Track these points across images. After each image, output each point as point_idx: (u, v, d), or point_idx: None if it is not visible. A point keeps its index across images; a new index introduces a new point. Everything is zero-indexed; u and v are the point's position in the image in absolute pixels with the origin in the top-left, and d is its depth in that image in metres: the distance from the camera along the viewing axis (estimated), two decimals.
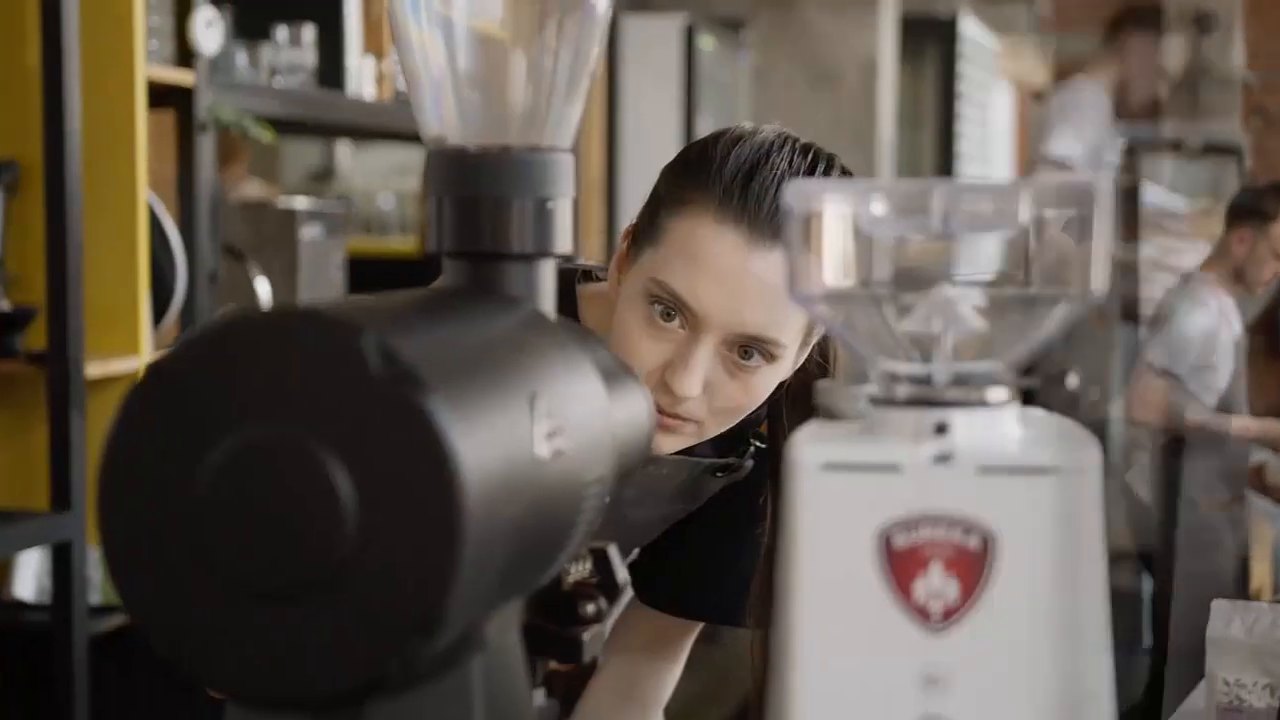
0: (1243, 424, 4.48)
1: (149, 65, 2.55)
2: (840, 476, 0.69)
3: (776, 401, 1.37)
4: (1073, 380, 4.36)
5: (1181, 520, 4.31)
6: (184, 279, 2.61)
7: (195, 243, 2.67)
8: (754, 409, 1.31)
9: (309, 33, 3.02)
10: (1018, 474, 0.68)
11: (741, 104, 5.15)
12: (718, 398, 1.27)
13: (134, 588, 0.63)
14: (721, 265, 1.22)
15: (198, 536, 0.62)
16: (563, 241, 0.83)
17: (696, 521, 1.47)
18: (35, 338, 2.40)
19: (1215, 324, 4.25)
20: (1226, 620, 2.02)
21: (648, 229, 1.29)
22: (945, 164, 7.47)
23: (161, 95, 2.63)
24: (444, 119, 0.82)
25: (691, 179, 1.26)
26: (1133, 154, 4.61)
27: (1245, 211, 4.38)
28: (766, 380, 1.28)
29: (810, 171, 1.28)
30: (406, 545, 0.60)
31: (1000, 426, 0.70)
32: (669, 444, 1.30)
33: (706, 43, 4.87)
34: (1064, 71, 9.95)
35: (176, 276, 2.58)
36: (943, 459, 0.68)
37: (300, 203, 3.18)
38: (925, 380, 0.72)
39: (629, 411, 0.85)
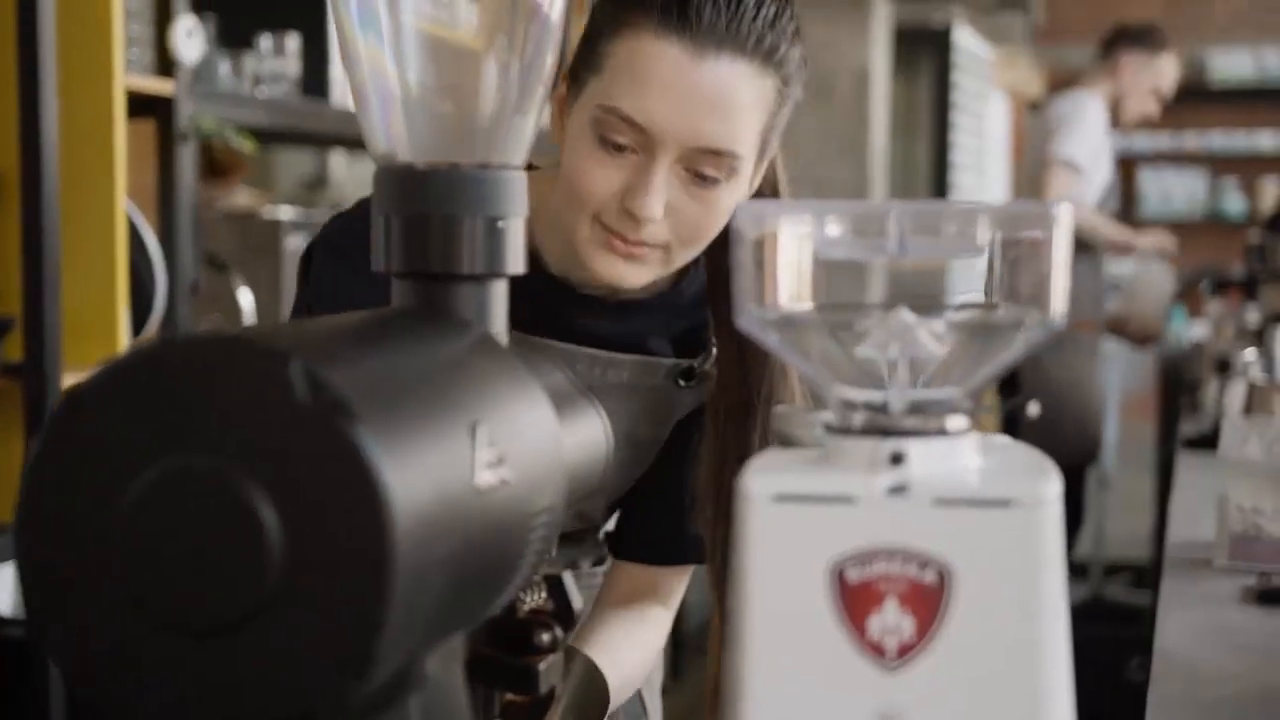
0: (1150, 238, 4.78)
1: (129, 74, 2.53)
2: (792, 508, 0.67)
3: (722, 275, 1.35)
4: (1033, 409, 4.43)
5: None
6: (164, 290, 2.58)
7: (176, 253, 2.65)
8: (717, 229, 1.28)
9: (293, 41, 3.00)
10: (975, 507, 0.65)
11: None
12: (681, 221, 1.25)
13: (53, 620, 0.60)
14: (668, 79, 1.20)
15: (119, 569, 0.60)
16: (515, 261, 0.80)
17: (662, 463, 1.45)
18: (12, 349, 2.37)
19: (1102, 126, 4.55)
20: (1241, 439, 1.91)
21: (587, 59, 1.26)
22: (940, 174, 7.46)
23: (142, 104, 2.60)
24: (392, 135, 0.80)
25: (630, 6, 1.24)
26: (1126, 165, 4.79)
27: (1133, 40, 4.54)
28: (727, 198, 1.26)
29: None
30: (334, 581, 0.58)
31: (958, 456, 0.68)
32: (636, 274, 1.28)
33: None
34: (1058, 82, 9.95)
35: (156, 287, 2.55)
36: (898, 490, 0.66)
37: (286, 213, 3.15)
38: (882, 407, 0.70)
39: (582, 435, 0.83)
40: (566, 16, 0.83)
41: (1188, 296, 9.79)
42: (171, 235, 2.64)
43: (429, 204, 0.78)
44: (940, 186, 7.43)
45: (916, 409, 0.69)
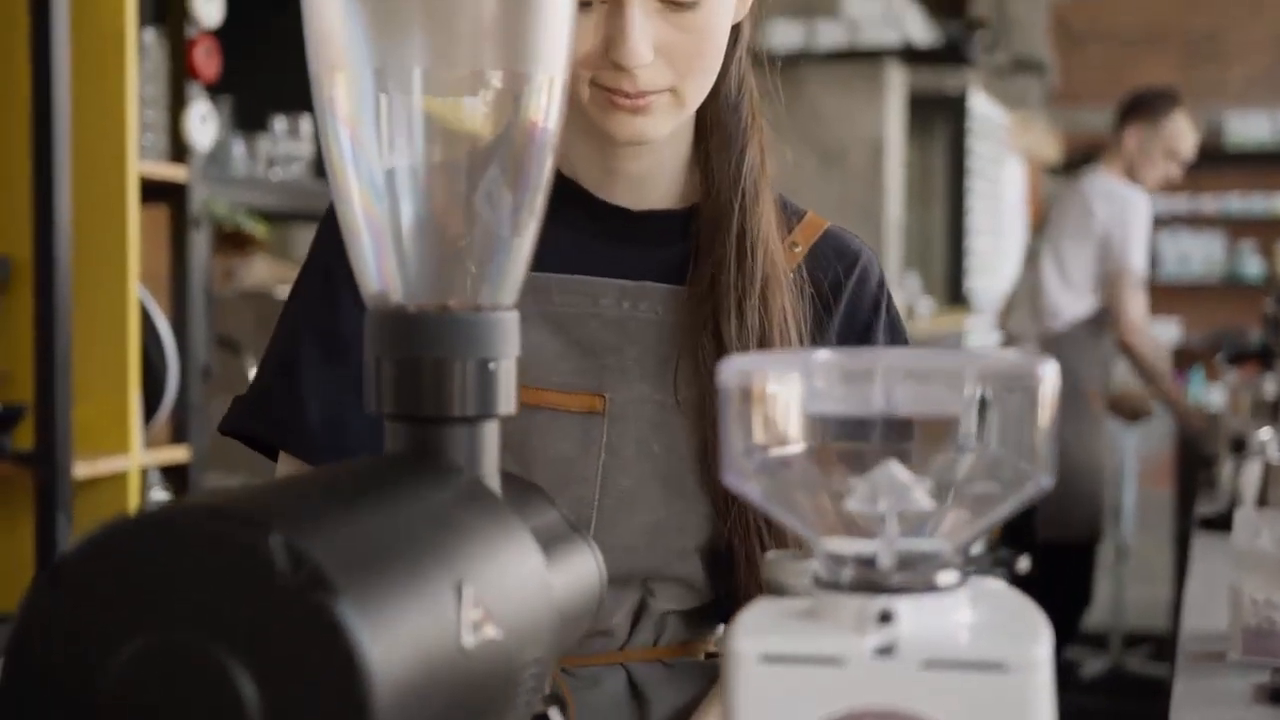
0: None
1: (143, 160, 2.54)
2: (780, 669, 0.66)
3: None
4: (1024, 563, 4.43)
5: (1066, 408, 4.40)
6: (175, 375, 2.59)
7: (188, 338, 2.66)
8: (720, 53, 1.21)
9: (307, 124, 3.02)
10: (965, 669, 0.65)
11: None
12: (676, 56, 1.17)
13: None
14: None
15: None
16: (506, 402, 0.80)
17: None
18: (23, 437, 2.38)
19: (1148, 224, 4.60)
20: (1253, 530, 1.87)
21: None
22: (955, 238, 7.46)
23: (156, 190, 2.62)
24: (384, 276, 0.80)
25: None
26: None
27: (1138, 109, 4.55)
28: (715, 18, 1.18)
29: None
30: None
31: (949, 613, 0.67)
32: (654, 125, 1.19)
33: None
34: (1075, 145, 9.98)
35: (168, 373, 2.56)
36: (886, 651, 0.65)
37: None
38: (870, 561, 0.69)
39: (572, 576, 0.83)
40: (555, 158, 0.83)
41: (1205, 361, 9.77)
42: (184, 320, 2.65)
43: (420, 347, 0.78)
44: (956, 253, 7.43)
45: (906, 563, 0.69)
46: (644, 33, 1.15)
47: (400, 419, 0.79)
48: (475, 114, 0.80)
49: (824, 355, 0.71)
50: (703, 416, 1.22)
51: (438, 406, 0.78)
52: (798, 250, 1.29)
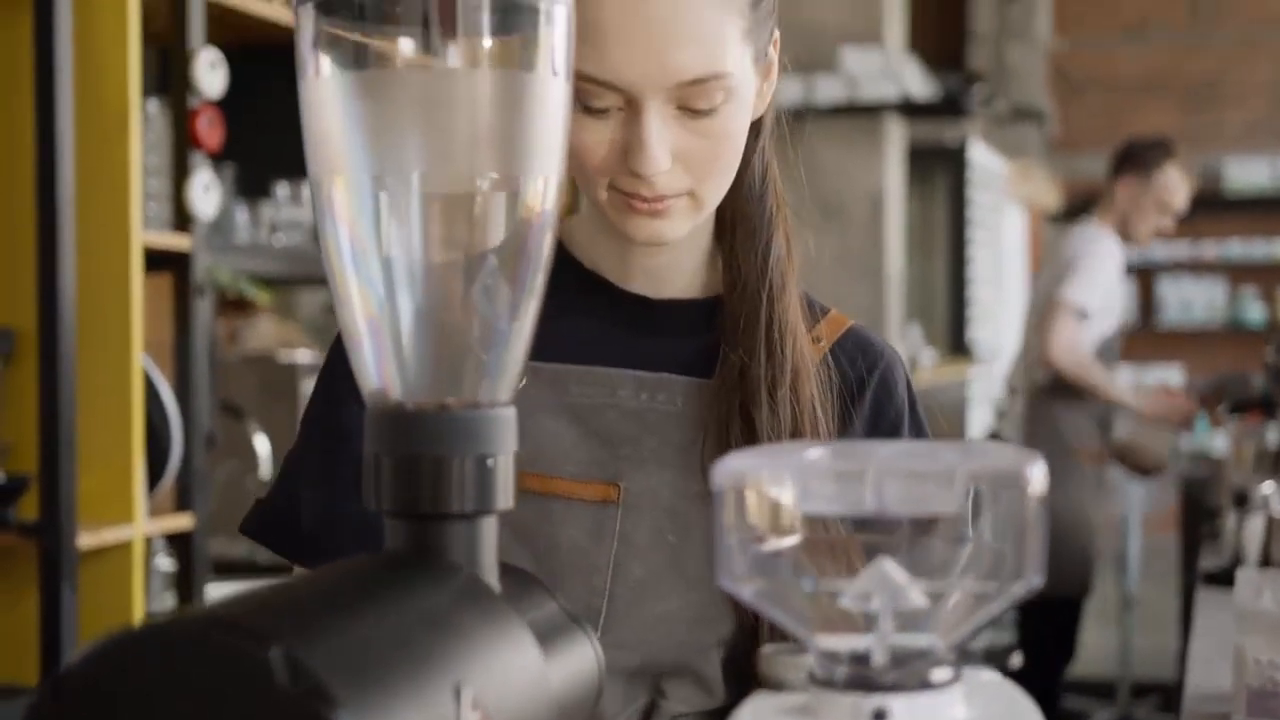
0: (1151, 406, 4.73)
1: (146, 230, 2.56)
2: None
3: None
4: (1016, 659, 4.44)
5: (1055, 464, 4.37)
6: (180, 443, 2.60)
7: (192, 405, 2.67)
8: (739, 154, 1.19)
9: (309, 190, 3.04)
10: None
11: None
12: (693, 161, 1.16)
13: None
14: (619, 24, 1.11)
15: None
16: (504, 497, 0.81)
17: None
18: (27, 508, 2.39)
19: (1116, 273, 4.54)
20: (1256, 590, 1.86)
21: None
22: (957, 289, 7.48)
23: (159, 258, 2.64)
24: (383, 374, 0.81)
25: None
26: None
27: (1129, 161, 4.54)
28: (733, 120, 1.16)
29: None
30: None
31: (943, 711, 0.68)
32: (672, 228, 1.19)
33: None
34: (1075, 192, 10.02)
35: (172, 441, 2.57)
36: None
37: (304, 356, 3.18)
38: (865, 658, 0.70)
39: (571, 668, 0.83)
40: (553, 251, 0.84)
41: (1209, 407, 9.77)
42: (187, 387, 2.66)
43: (419, 445, 0.79)
44: (958, 303, 7.45)
45: (900, 660, 0.69)
46: (661, 140, 1.14)
47: (399, 516, 0.80)
48: (472, 215, 0.81)
49: (816, 454, 0.72)
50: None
51: (436, 504, 0.79)
52: (821, 344, 1.28)
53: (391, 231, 0.80)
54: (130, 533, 2.50)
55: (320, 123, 0.80)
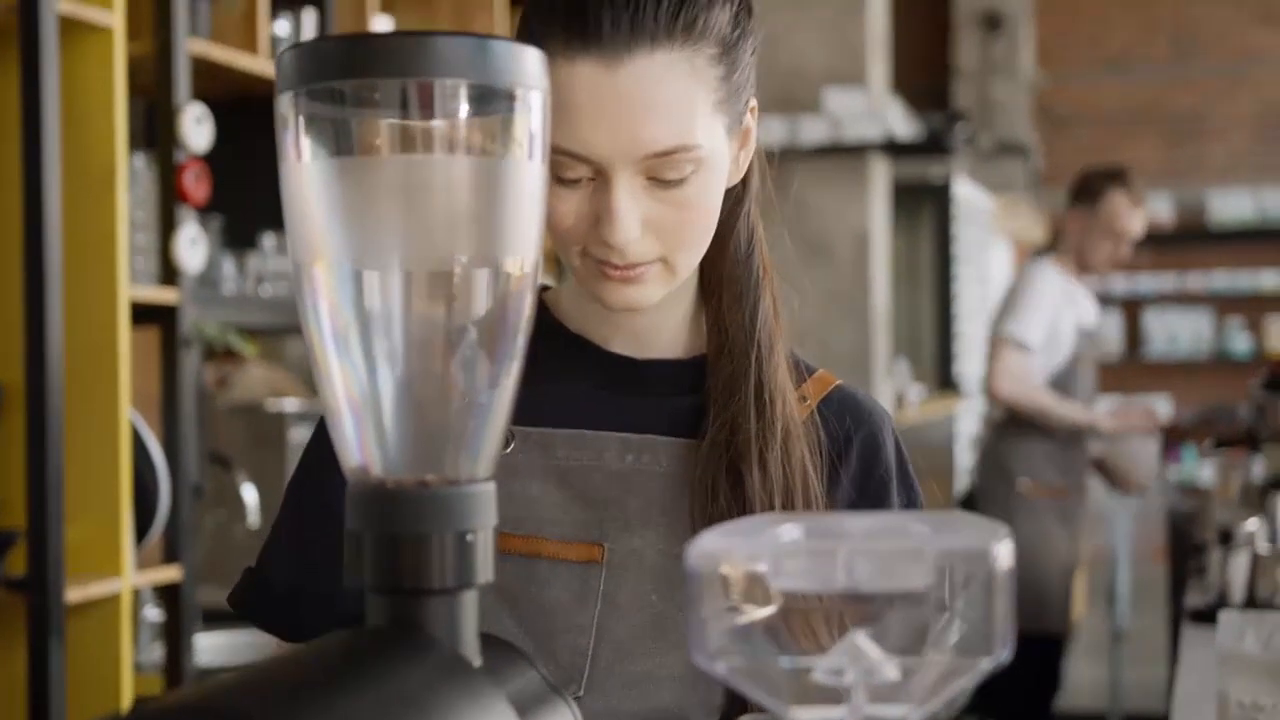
0: (1104, 418, 4.62)
1: (134, 284, 2.58)
2: None
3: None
4: None
5: (1007, 501, 4.36)
6: (167, 496, 2.61)
7: (179, 457, 2.68)
8: (712, 221, 1.20)
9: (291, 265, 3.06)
10: None
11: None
12: (665, 230, 1.17)
13: None
14: (589, 99, 1.13)
15: None
16: (484, 571, 0.82)
17: None
18: (15, 563, 2.39)
19: (1060, 303, 4.46)
20: (1238, 633, 1.87)
21: None
22: (943, 324, 7.51)
23: (146, 312, 2.65)
24: (364, 452, 0.83)
25: (533, 28, 1.17)
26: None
27: (1078, 193, 4.58)
28: (706, 189, 1.18)
29: None
30: None
31: None
32: (644, 294, 1.20)
33: None
34: (1062, 226, 10.07)
35: (160, 494, 2.58)
36: None
37: (291, 404, 3.19)
38: None
39: None
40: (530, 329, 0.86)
41: (1197, 439, 9.80)
42: (175, 439, 2.67)
43: (400, 523, 0.81)
44: (944, 338, 7.48)
45: None
46: (631, 210, 1.16)
47: (381, 592, 0.81)
48: (451, 295, 0.82)
49: (789, 532, 0.73)
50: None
51: (417, 579, 0.80)
52: (807, 403, 1.29)
53: (372, 313, 0.82)
54: (118, 586, 2.50)
55: (301, 207, 0.81)
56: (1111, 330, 10.25)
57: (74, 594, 2.41)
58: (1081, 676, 6.72)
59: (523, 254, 0.83)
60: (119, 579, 2.50)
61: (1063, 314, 4.45)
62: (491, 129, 0.83)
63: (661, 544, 1.24)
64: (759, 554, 0.71)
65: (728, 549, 0.72)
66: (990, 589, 0.69)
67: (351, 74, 0.80)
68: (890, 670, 0.71)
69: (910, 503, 1.31)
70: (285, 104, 0.81)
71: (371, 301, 0.82)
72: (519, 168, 0.82)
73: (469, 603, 0.82)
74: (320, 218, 0.81)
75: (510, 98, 0.81)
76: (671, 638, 1.23)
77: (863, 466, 1.31)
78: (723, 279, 1.29)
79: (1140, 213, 4.62)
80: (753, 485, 1.23)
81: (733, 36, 1.18)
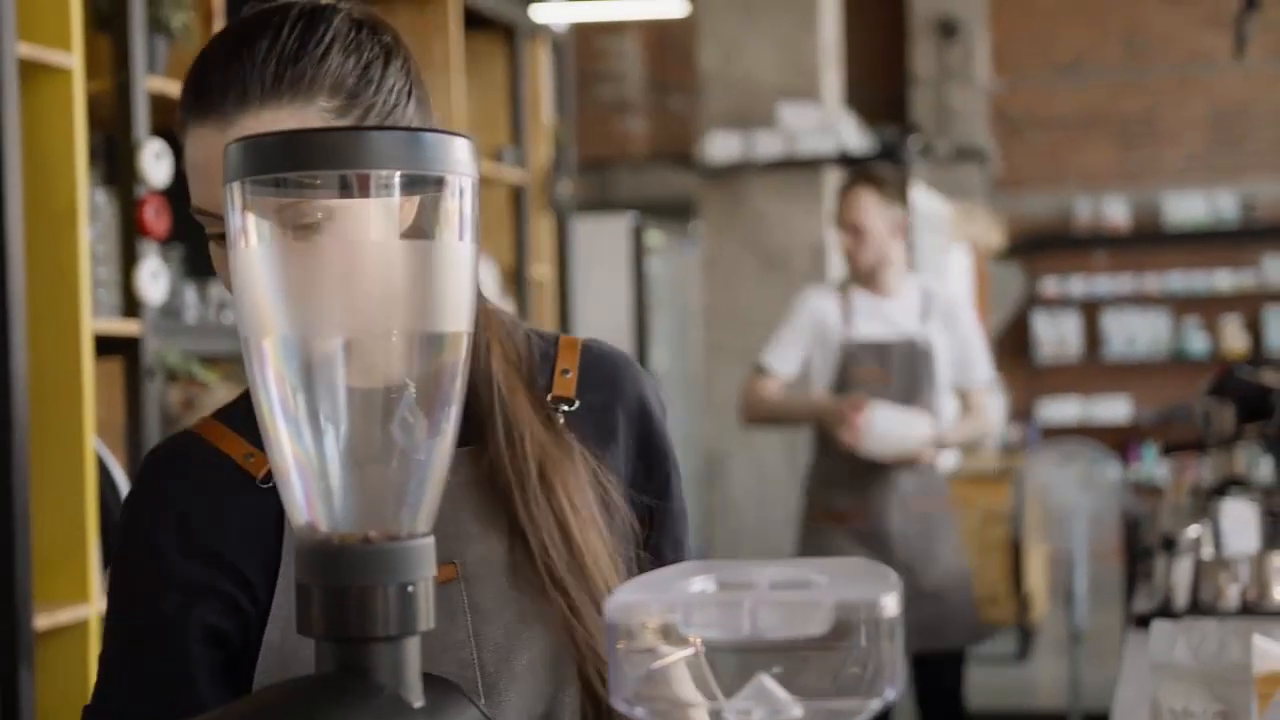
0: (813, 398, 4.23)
1: (96, 318, 2.63)
2: None
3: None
4: None
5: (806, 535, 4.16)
6: None
7: None
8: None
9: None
10: None
11: (692, 292, 5.27)
12: None
13: None
14: (211, 159, 1.20)
15: None
16: (425, 619, 0.89)
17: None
18: None
19: (807, 322, 4.20)
20: (1170, 642, 1.93)
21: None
22: None
23: (109, 344, 2.71)
24: (311, 509, 0.89)
25: (179, 107, 1.24)
26: None
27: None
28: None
29: (260, 30, 1.23)
30: None
31: None
32: None
33: (654, 238, 4.99)
34: (1018, 230, 10.20)
35: None
36: None
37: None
38: None
39: None
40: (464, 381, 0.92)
41: (1157, 437, 9.92)
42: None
43: (345, 577, 0.87)
44: None
45: None
46: None
47: (328, 640, 0.88)
48: (390, 364, 0.89)
49: (697, 586, 0.80)
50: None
51: (362, 628, 0.87)
52: (569, 376, 1.35)
53: (316, 381, 0.89)
54: (87, 612, 2.56)
55: (250, 286, 0.88)
56: (1070, 332, 10.37)
57: (42, 621, 2.46)
58: (1041, 675, 6.82)
59: (456, 322, 0.90)
60: (87, 605, 2.55)
61: (817, 331, 4.17)
62: (424, 212, 0.89)
63: (503, 543, 1.29)
64: (672, 606, 0.78)
65: (643, 602, 0.79)
66: (878, 634, 0.77)
67: (292, 167, 0.86)
68: (794, 710, 0.78)
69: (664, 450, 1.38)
70: (232, 193, 0.87)
71: (315, 371, 0.88)
72: (450, 247, 0.89)
73: (411, 648, 0.89)
74: (267, 296, 0.88)
75: (440, 183, 0.88)
76: (536, 624, 1.28)
77: (638, 418, 1.37)
78: None
79: (842, 199, 4.20)
80: (529, 525, 1.28)
81: (357, 85, 1.23)
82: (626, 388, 1.37)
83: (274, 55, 1.21)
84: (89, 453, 2.55)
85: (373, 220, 0.88)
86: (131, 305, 2.73)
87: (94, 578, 2.56)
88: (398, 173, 0.87)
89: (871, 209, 4.09)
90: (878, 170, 4.26)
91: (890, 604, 0.76)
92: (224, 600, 1.26)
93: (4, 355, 2.43)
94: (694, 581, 0.81)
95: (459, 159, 0.89)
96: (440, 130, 0.89)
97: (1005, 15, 10.26)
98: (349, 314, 0.88)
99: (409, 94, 1.27)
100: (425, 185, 0.88)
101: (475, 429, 1.31)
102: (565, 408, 1.33)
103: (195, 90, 1.22)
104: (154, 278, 2.72)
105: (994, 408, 4.31)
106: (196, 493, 1.29)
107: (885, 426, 4.03)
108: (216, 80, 1.21)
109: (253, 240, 0.88)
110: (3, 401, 2.42)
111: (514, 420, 1.30)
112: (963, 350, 4.16)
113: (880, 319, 4.18)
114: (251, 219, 0.88)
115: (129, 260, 2.73)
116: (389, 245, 0.88)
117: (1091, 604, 6.12)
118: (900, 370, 4.18)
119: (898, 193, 4.16)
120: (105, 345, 2.69)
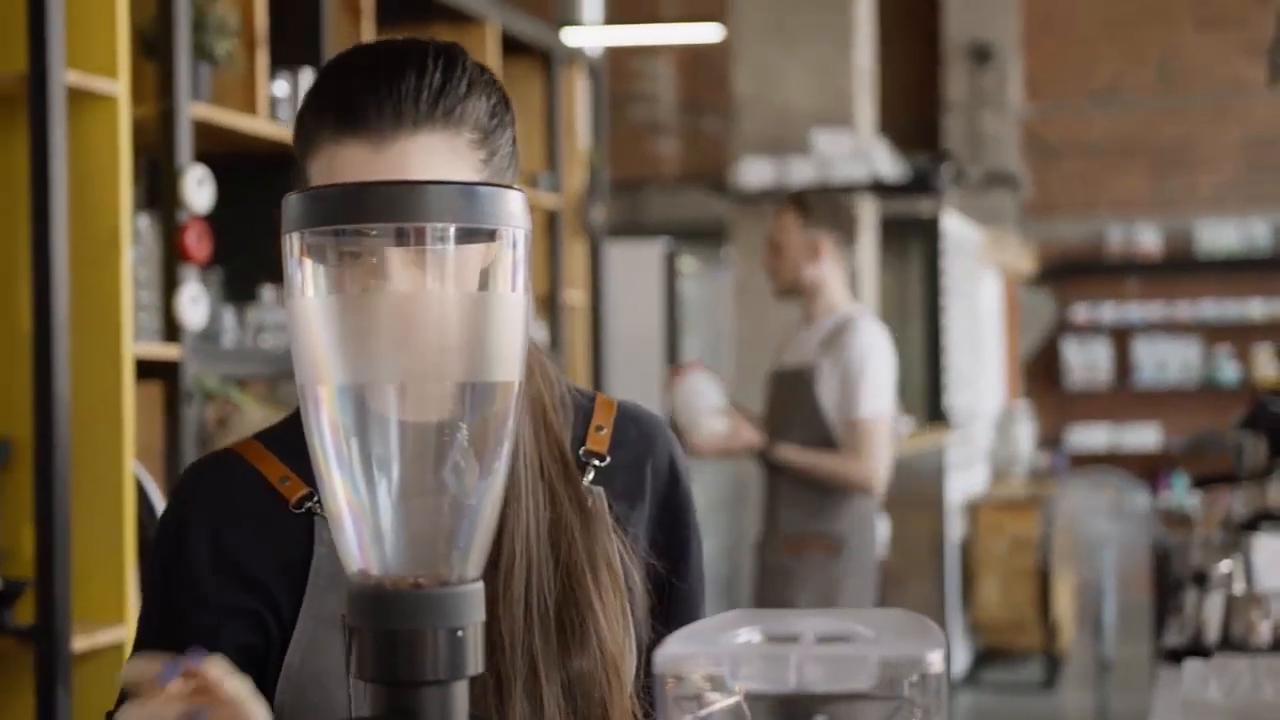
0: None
1: (137, 342, 2.66)
2: None
3: None
4: None
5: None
6: None
7: None
8: None
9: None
10: None
11: (724, 318, 5.28)
12: None
13: None
14: (354, 176, 1.21)
15: None
16: (474, 663, 0.91)
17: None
18: (23, 612, 2.47)
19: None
20: (1203, 681, 1.93)
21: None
22: (933, 356, 7.59)
23: (149, 367, 2.74)
24: (364, 555, 0.91)
25: (309, 120, 1.25)
26: None
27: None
28: (468, 264, 1.20)
29: (404, 58, 1.25)
30: None
31: None
32: None
33: (687, 264, 5.01)
34: (1050, 256, 10.18)
35: None
36: None
37: None
38: None
39: None
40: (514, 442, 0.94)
41: (1186, 466, 9.88)
42: None
43: (395, 620, 0.89)
44: (934, 370, 7.56)
45: None
46: (398, 280, 1.17)
47: (378, 683, 0.90)
48: (442, 412, 0.91)
49: (743, 638, 0.81)
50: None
51: (412, 672, 0.89)
52: (603, 433, 1.37)
53: (370, 428, 0.91)
54: (123, 634, 2.58)
55: (306, 335, 0.90)
56: (1101, 359, 10.34)
57: (80, 642, 2.49)
58: (1067, 704, 6.80)
59: (507, 372, 0.92)
60: (124, 627, 2.58)
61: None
62: (477, 264, 0.91)
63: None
64: (719, 659, 0.80)
65: (691, 655, 0.80)
66: (924, 689, 0.78)
67: (349, 219, 0.88)
68: None
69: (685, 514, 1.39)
70: (290, 244, 0.89)
71: (369, 419, 0.90)
72: (503, 298, 0.91)
73: (460, 692, 0.90)
74: (322, 345, 0.90)
75: (493, 235, 0.90)
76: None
77: (666, 483, 1.38)
78: None
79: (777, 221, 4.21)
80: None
81: (490, 125, 1.27)
82: (658, 449, 1.39)
83: (426, 84, 1.23)
84: (128, 476, 2.57)
85: (426, 271, 0.90)
86: (172, 329, 2.76)
87: (131, 599, 2.59)
88: (453, 225, 0.89)
89: (790, 227, 4.10)
90: (810, 196, 4.29)
91: (936, 660, 0.77)
92: (252, 619, 1.28)
93: (47, 379, 2.46)
94: (740, 633, 0.82)
95: (512, 211, 0.91)
96: (494, 184, 0.91)
97: (1039, 41, 10.25)
98: (402, 363, 0.90)
99: (514, 141, 1.31)
100: (479, 237, 0.90)
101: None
102: (596, 463, 1.34)
103: (339, 107, 1.23)
104: (194, 303, 2.75)
105: (875, 452, 3.92)
106: (230, 510, 1.30)
107: (687, 393, 4.00)
108: (368, 100, 1.22)
109: (309, 291, 0.90)
110: (45, 424, 2.46)
111: (532, 473, 1.30)
112: (843, 382, 3.99)
113: (795, 347, 4.16)
114: (309, 268, 0.90)
115: (170, 285, 2.76)
116: (444, 297, 0.89)
117: (1119, 633, 6.10)
118: (777, 397, 4.14)
119: (825, 219, 4.14)
120: (145, 369, 2.72)
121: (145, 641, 1.30)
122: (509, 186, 0.90)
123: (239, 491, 1.31)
